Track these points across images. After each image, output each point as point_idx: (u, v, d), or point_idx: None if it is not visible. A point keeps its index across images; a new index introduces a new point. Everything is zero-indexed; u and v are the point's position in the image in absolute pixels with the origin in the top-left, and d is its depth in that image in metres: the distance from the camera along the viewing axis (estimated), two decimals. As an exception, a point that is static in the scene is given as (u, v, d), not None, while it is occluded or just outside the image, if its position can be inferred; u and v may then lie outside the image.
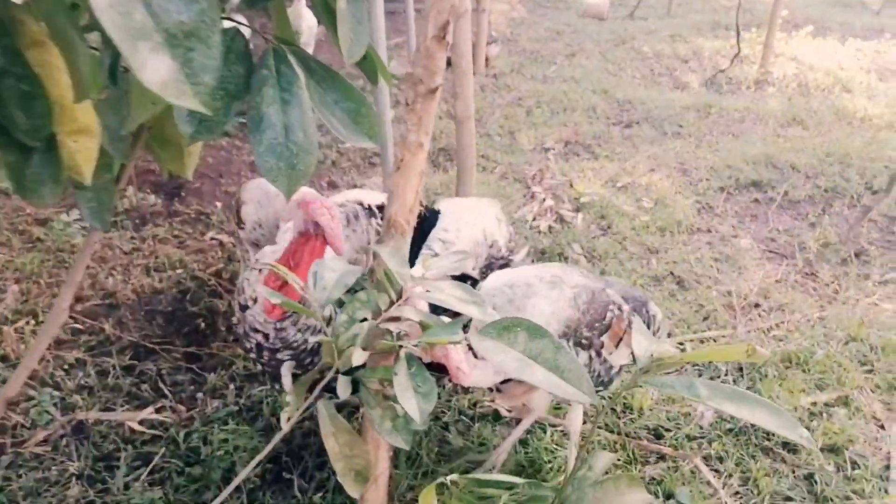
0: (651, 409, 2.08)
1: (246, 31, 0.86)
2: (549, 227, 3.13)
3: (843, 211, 3.32)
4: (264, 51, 0.78)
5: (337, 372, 1.19)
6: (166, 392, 2.13)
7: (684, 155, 3.87)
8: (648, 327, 1.77)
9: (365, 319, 1.26)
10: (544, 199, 3.34)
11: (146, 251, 2.86)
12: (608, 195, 3.38)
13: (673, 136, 4.17)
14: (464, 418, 2.04)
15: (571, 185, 3.49)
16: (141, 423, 1.99)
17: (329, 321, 1.27)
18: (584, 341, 1.65)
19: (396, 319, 1.32)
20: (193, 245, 2.92)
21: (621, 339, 1.72)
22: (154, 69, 0.41)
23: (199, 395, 2.12)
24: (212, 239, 2.97)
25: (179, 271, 2.74)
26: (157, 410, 2.04)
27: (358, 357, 1.17)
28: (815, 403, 2.07)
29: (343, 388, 1.16)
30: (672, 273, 2.80)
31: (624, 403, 2.10)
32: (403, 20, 5.09)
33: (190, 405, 2.08)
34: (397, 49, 5.58)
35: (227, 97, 0.75)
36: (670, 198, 3.38)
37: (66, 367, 2.21)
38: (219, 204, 3.27)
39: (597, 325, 1.66)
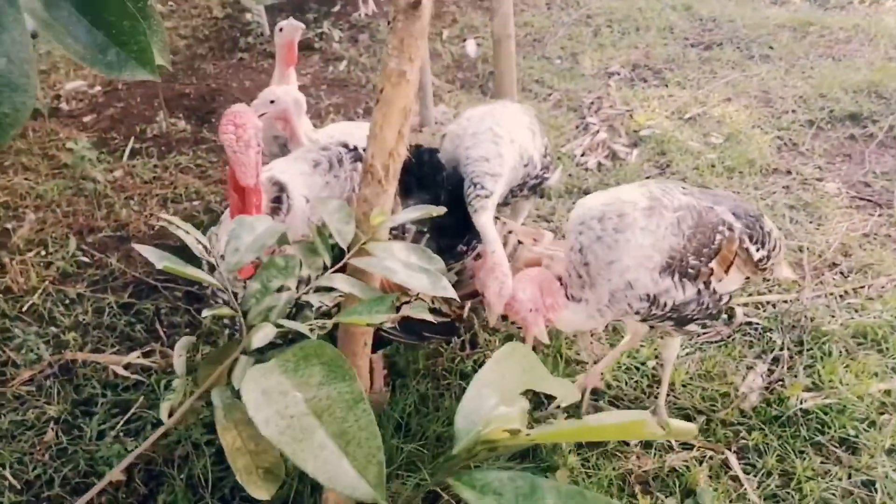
0: (685, 386, 1.79)
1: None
2: (599, 165, 2.78)
3: (961, 153, 2.78)
4: None
5: (244, 352, 0.99)
6: (161, 334, 2.02)
7: (770, 82, 3.36)
8: (763, 246, 1.54)
9: (283, 289, 1.05)
10: (598, 132, 2.97)
11: (166, 181, 2.75)
12: (672, 128, 2.98)
13: (760, 60, 3.62)
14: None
15: (632, 116, 3.09)
16: (126, 367, 1.90)
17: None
18: (690, 270, 1.43)
19: (328, 290, 1.10)
20: (215, 175, 2.78)
21: (731, 264, 1.50)
22: None
23: (193, 339, 2.00)
24: (233, 169, 2.82)
25: (196, 203, 2.61)
26: (146, 354, 1.95)
27: (263, 335, 0.96)
28: (888, 392, 1.72)
29: (241, 371, 0.96)
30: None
31: (652, 375, 1.82)
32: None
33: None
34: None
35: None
36: (746, 133, 2.93)
37: (67, 301, 2.14)
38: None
39: (705, 250, 1.44)
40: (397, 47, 1.22)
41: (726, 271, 1.49)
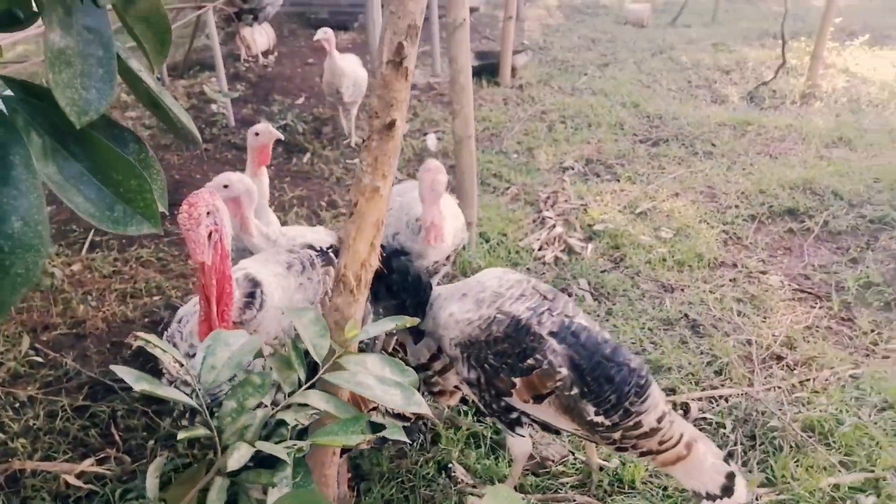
0: (645, 483, 1.82)
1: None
2: (556, 259, 2.88)
3: (891, 246, 2.97)
4: None
5: (218, 473, 1.00)
6: (116, 438, 1.97)
7: (714, 178, 3.56)
8: (607, 413, 1.47)
9: (260, 406, 1.06)
10: (554, 226, 3.09)
11: (126, 275, 2.74)
12: (624, 222, 3.11)
13: (704, 156, 3.85)
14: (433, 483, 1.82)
15: (586, 210, 3.23)
16: (79, 476, 1.84)
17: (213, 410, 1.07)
18: (486, 366, 1.56)
19: (303, 406, 1.12)
20: (176, 269, 2.79)
21: (545, 396, 1.51)
22: None
23: (150, 443, 1.96)
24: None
25: (156, 298, 2.60)
26: (100, 461, 1.89)
27: (238, 456, 0.97)
28: (837, 487, 1.78)
29: (217, 494, 0.96)
30: (686, 316, 2.52)
31: (615, 474, 1.85)
32: (427, 30, 4.91)
33: (138, 455, 1.92)
34: (422, 58, 5.38)
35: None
36: (693, 227, 3.09)
37: (16, 405, 2.08)
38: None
39: (508, 360, 1.53)
40: (371, 164, 1.29)
41: (534, 400, 1.49)
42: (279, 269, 1.70)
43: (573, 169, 3.74)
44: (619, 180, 3.60)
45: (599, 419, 1.46)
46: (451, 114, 2.76)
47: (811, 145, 3.93)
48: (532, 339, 1.48)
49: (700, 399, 2.11)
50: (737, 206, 3.29)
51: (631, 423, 1.46)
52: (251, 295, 1.53)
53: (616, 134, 4.16)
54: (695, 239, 2.99)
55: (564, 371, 1.46)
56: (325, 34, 3.62)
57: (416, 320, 1.29)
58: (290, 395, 1.11)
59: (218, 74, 4.09)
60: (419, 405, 1.09)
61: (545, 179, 3.61)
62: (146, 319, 2.46)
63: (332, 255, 1.80)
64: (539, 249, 2.94)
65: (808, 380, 2.19)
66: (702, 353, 2.33)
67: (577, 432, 1.54)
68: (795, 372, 2.24)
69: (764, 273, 2.82)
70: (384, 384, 1.11)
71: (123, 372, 0.98)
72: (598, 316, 2.52)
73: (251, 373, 1.10)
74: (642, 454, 1.51)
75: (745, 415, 2.04)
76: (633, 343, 2.37)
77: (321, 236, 2.05)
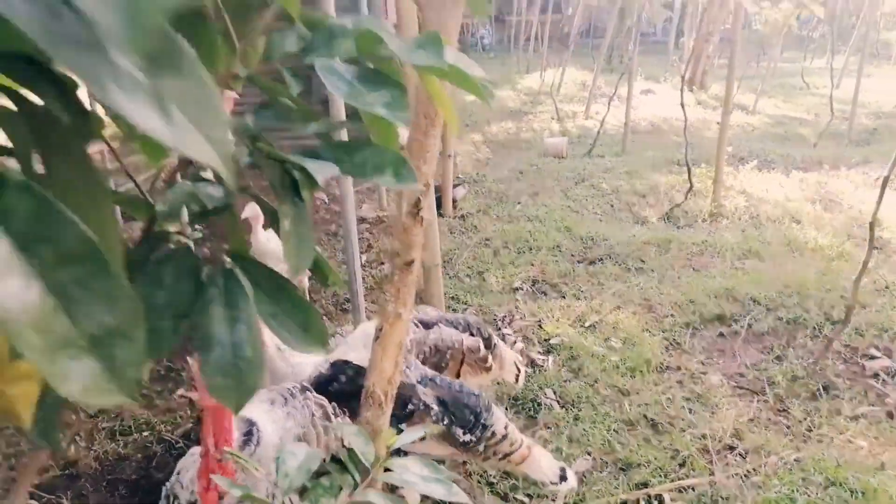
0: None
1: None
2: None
3: (807, 343, 3.39)
4: (212, 268, 0.81)
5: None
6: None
7: (648, 291, 3.97)
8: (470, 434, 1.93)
9: (330, 508, 1.23)
10: (515, 342, 3.36)
11: (112, 413, 2.78)
12: (577, 335, 3.43)
13: (636, 272, 4.29)
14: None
15: (541, 326, 3.54)
16: None
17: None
18: None
19: (364, 505, 1.29)
20: (162, 405, 2.85)
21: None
22: (76, 377, 0.42)
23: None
24: (181, 397, 2.90)
25: (146, 434, 2.65)
26: None
27: (326, 554, 1.13)
28: (800, 557, 2.01)
29: None
30: (645, 416, 2.79)
31: None
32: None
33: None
34: (367, 194, 5.78)
35: (174, 318, 0.77)
36: (638, 336, 3.43)
37: (15, 552, 2.06)
38: (190, 360, 3.22)
39: None
40: (395, 294, 1.54)
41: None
42: (265, 405, 1.88)
43: (522, 289, 4.08)
44: (564, 297, 3.95)
45: (468, 437, 1.88)
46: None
47: (726, 258, 4.45)
48: (407, 389, 1.83)
49: (671, 490, 2.34)
50: (672, 316, 3.68)
51: (489, 434, 1.93)
52: (248, 433, 1.70)
53: (556, 256, 4.57)
54: (640, 346, 3.32)
55: (436, 407, 1.84)
56: (252, 211, 3.11)
57: (440, 427, 1.51)
58: (350, 494, 1.28)
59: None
60: (458, 495, 1.29)
61: (498, 300, 3.92)
62: (139, 455, 2.51)
63: (306, 384, 1.97)
64: (505, 365, 3.18)
65: (760, 465, 2.46)
66: (664, 448, 2.58)
67: (454, 456, 1.96)
68: (748, 459, 2.52)
69: (704, 374, 3.15)
70: (426, 480, 1.31)
71: (224, 482, 1.14)
72: (567, 422, 2.75)
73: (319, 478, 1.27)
74: (500, 459, 1.98)
75: (712, 501, 2.27)
76: (602, 444, 2.60)
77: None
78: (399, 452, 1.75)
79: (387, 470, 1.33)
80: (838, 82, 11.46)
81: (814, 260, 4.37)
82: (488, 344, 2.33)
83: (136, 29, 0.31)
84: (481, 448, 1.94)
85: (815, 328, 3.51)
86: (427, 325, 2.19)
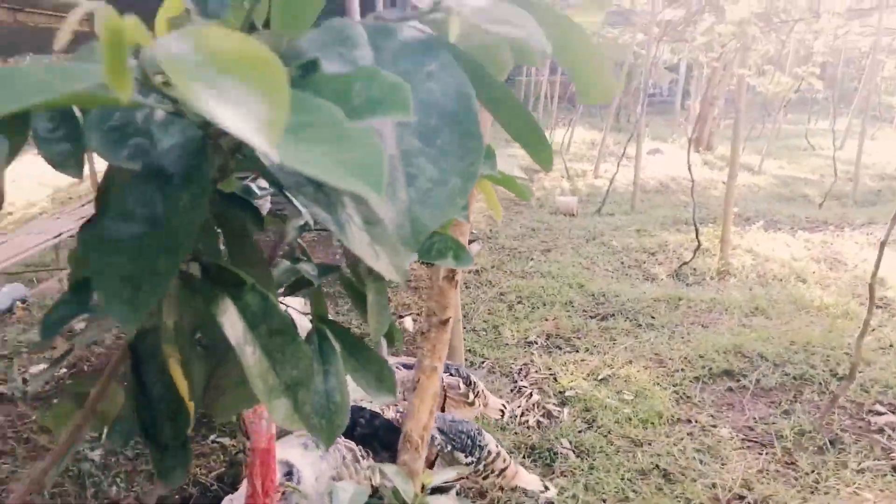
0: None
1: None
2: (538, 422, 3.26)
3: (814, 398, 3.52)
4: (309, 331, 1.00)
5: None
6: None
7: (659, 346, 4.12)
8: None
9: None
10: (531, 394, 3.50)
11: (149, 456, 2.93)
12: (591, 388, 3.57)
13: (647, 328, 4.44)
14: None
15: (555, 379, 3.68)
16: None
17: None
18: None
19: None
20: (195, 449, 3.00)
21: None
22: (279, 409, 0.62)
23: None
24: (213, 442, 3.05)
25: (179, 478, 2.79)
26: None
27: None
28: None
29: None
30: (657, 466, 2.91)
31: None
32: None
33: None
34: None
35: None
36: (649, 389, 3.57)
37: (64, 586, 2.20)
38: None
39: None
40: (430, 350, 1.73)
41: (428, 466, 2.12)
42: (298, 449, 2.05)
43: (537, 343, 4.23)
44: (578, 351, 4.10)
45: (469, 459, 2.17)
46: (422, 298, 3.28)
47: (734, 315, 4.60)
48: None
49: (683, 537, 2.45)
50: (682, 370, 3.82)
51: (486, 454, 2.22)
52: (288, 473, 1.87)
53: (569, 311, 4.74)
54: (652, 399, 3.46)
55: (438, 437, 2.14)
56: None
57: (468, 469, 1.68)
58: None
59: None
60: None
61: (514, 353, 4.07)
62: (177, 496, 2.65)
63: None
64: (521, 415, 3.32)
65: (769, 514, 2.57)
66: (676, 496, 2.70)
67: (458, 480, 2.26)
68: (757, 509, 2.63)
69: (714, 426, 3.28)
70: (463, 515, 1.46)
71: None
72: (583, 470, 2.87)
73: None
74: (497, 475, 2.27)
75: (722, 548, 2.38)
76: (616, 492, 2.72)
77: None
78: (433, 491, 1.91)
79: (426, 505, 1.49)
80: (841, 144, 11.77)
81: (819, 318, 4.51)
82: (468, 382, 2.72)
83: (417, 236, 0.52)
84: (481, 468, 2.22)
85: (821, 384, 3.64)
86: (409, 367, 2.47)
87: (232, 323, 0.63)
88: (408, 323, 4.46)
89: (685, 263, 5.69)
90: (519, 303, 4.89)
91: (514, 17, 0.58)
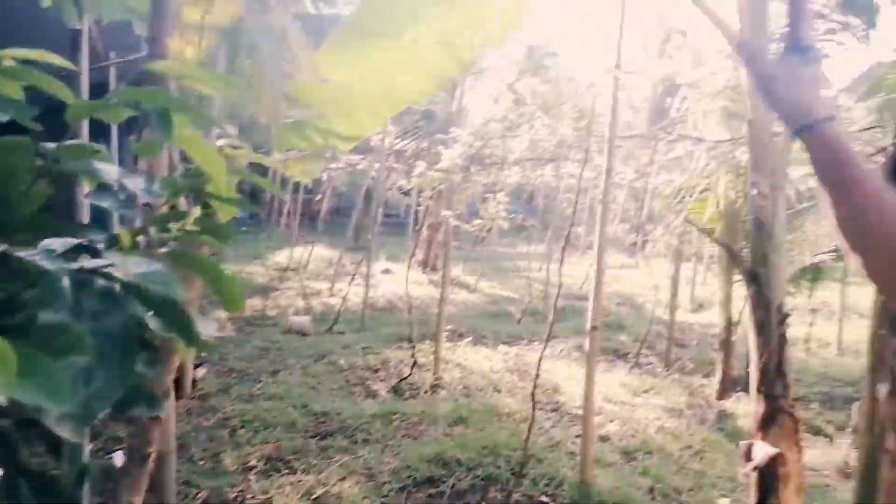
0: None
1: None
2: (249, 550, 3.35)
3: (497, 496, 4.10)
4: None
5: None
6: None
7: (371, 461, 4.47)
8: None
9: None
10: (244, 522, 3.58)
11: None
12: (304, 509, 3.76)
13: (363, 444, 4.79)
14: None
15: None
16: None
17: None
18: None
19: None
20: None
21: None
22: None
23: None
24: None
25: None
26: None
27: None
28: None
29: None
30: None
31: None
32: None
33: None
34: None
35: None
36: (358, 503, 3.86)
37: None
38: None
39: None
40: (129, 487, 1.84)
41: None
42: None
43: (257, 468, 4.32)
44: (296, 472, 4.28)
45: None
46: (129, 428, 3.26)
47: (439, 426, 5.17)
48: None
49: None
50: (390, 482, 4.19)
51: None
52: None
53: (291, 432, 4.91)
54: (360, 513, 3.75)
55: None
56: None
57: None
58: None
59: None
60: None
61: (232, 480, 4.11)
62: None
63: None
64: (232, 544, 3.38)
65: None
66: None
67: None
68: None
69: (414, 533, 3.66)
70: None
71: None
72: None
73: None
74: None
75: None
76: None
77: None
78: None
79: None
80: (541, 266, 13.84)
81: (508, 423, 5.27)
82: None
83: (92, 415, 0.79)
84: None
85: (503, 482, 4.26)
86: None
87: None
88: (117, 458, 4.26)
89: (403, 379, 6.25)
90: (242, 427, 4.94)
91: (160, 276, 0.92)
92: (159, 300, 1.02)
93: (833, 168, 0.92)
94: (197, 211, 1.46)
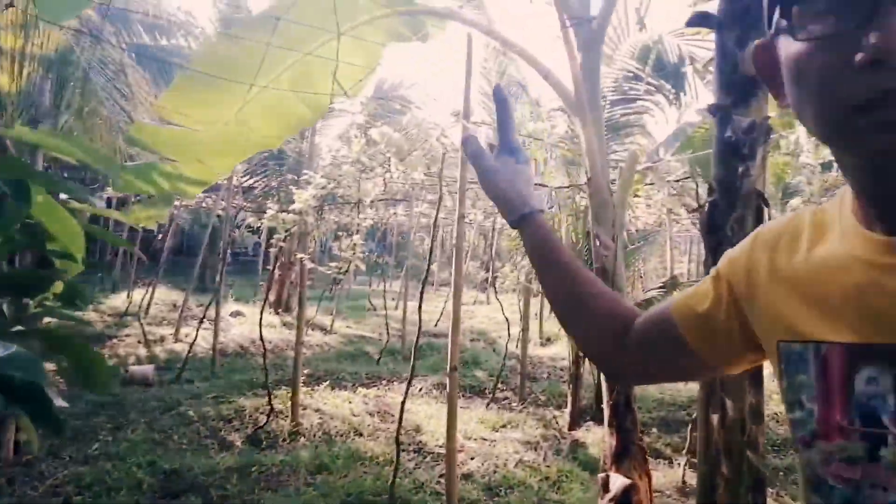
0: None
1: None
2: None
3: (364, 544, 4.02)
4: None
5: None
6: None
7: (229, 520, 4.22)
8: None
9: None
10: None
11: None
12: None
13: (219, 501, 4.51)
14: None
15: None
16: None
17: None
18: None
19: None
20: None
21: None
22: None
23: None
24: None
25: None
26: None
27: None
28: None
29: None
30: None
31: None
32: None
33: None
34: None
35: None
36: (217, 567, 3.62)
37: None
38: None
39: None
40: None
41: None
42: None
43: (96, 538, 3.92)
44: (144, 540, 3.93)
45: None
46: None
47: (300, 475, 4.99)
48: None
49: None
50: (250, 540, 3.98)
51: None
52: None
53: (136, 495, 4.51)
54: (219, 578, 3.51)
55: None
56: None
57: None
58: None
59: None
60: None
61: (68, 556, 3.69)
62: None
63: None
64: None
65: None
66: None
67: None
68: None
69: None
70: None
71: None
72: None
73: None
74: None
75: None
76: None
77: None
78: None
79: None
80: (396, 304, 13.93)
81: (372, 468, 5.20)
82: None
83: None
84: None
85: (369, 530, 4.19)
86: None
87: None
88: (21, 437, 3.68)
89: (260, 428, 5.98)
90: (78, 495, 4.46)
91: (23, 361, 0.86)
92: (23, 387, 0.94)
93: (546, 250, 1.06)
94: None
